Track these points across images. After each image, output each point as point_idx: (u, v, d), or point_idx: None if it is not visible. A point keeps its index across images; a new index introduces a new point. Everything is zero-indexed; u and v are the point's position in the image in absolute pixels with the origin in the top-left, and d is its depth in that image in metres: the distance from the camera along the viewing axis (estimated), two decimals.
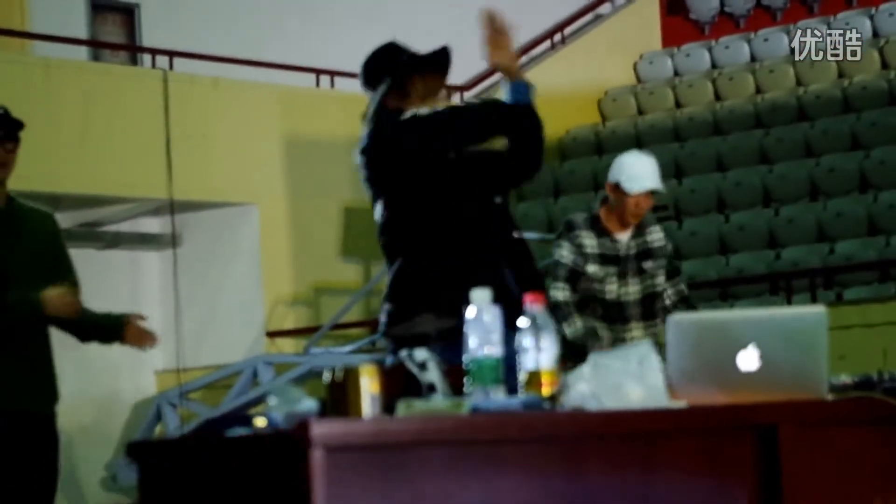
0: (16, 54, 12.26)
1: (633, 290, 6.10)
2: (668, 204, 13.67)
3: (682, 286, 6.23)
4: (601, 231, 6.12)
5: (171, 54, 12.76)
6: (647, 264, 6.12)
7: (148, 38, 13.60)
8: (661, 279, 6.13)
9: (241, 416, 2.96)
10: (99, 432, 11.76)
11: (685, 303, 6.18)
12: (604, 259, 6.09)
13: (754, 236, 12.65)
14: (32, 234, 5.00)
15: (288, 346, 12.79)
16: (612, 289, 6.07)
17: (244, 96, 12.95)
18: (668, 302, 6.14)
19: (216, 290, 12.91)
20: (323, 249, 13.14)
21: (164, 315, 12.77)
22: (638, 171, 6.13)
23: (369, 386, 2.90)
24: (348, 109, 11.03)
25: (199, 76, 12.73)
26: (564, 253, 6.08)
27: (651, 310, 6.11)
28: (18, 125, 4.94)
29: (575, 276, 6.06)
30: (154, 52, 12.81)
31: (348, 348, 11.00)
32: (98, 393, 12.25)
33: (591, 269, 6.07)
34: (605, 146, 15.22)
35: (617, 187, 6.18)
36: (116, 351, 12.29)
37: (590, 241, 6.12)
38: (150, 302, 12.88)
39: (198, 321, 12.51)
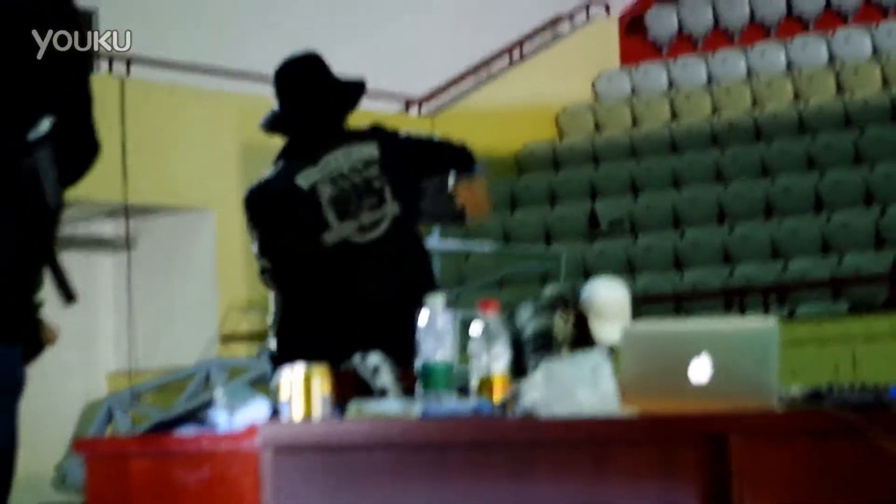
0: None
1: None
2: (623, 219, 13.73)
3: None
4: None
5: (129, 60, 12.71)
6: None
7: (105, 43, 13.53)
8: None
9: (190, 417, 2.94)
10: (49, 433, 11.69)
11: None
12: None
13: (708, 252, 12.71)
14: None
15: (241, 350, 12.76)
16: None
17: (201, 103, 12.92)
18: None
19: (170, 293, 12.86)
20: None
21: (117, 318, 12.72)
22: (609, 321, 5.86)
23: (320, 388, 2.89)
24: None
25: (156, 82, 12.69)
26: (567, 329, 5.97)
27: None
28: None
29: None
30: (112, 57, 12.76)
31: None
32: (49, 393, 12.16)
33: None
34: (561, 162, 15.27)
35: (581, 319, 5.96)
36: (68, 352, 12.27)
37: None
38: (103, 305, 12.82)
39: (152, 324, 12.46)
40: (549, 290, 6.11)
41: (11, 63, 2.86)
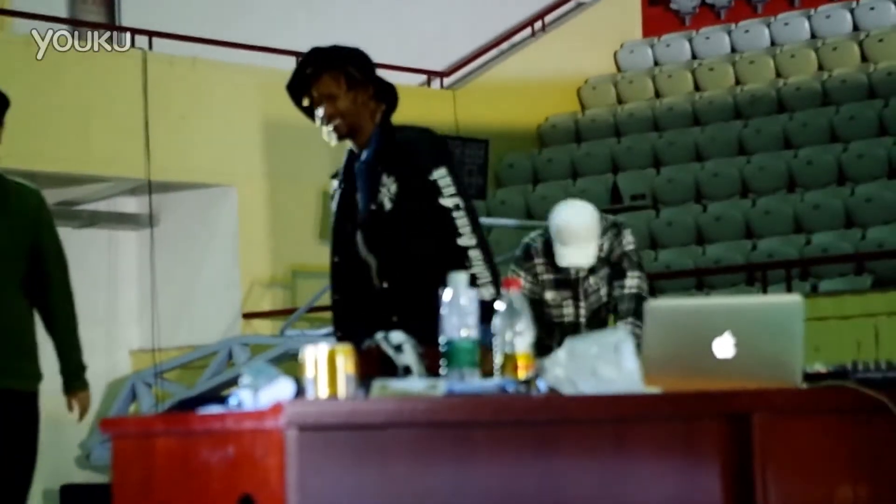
0: None
1: (583, 310, 5.96)
2: (645, 193, 13.70)
3: (626, 283, 5.92)
4: (553, 257, 5.93)
5: (151, 34, 12.71)
6: (589, 282, 5.98)
7: (127, 17, 13.54)
8: (603, 290, 5.95)
9: (215, 395, 2.95)
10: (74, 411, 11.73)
11: (632, 299, 5.87)
12: (558, 284, 5.95)
13: (731, 227, 12.68)
14: (16, 209, 5.00)
15: (264, 327, 12.77)
16: (569, 312, 5.95)
17: (223, 77, 12.91)
18: (614, 304, 5.96)
19: (193, 270, 12.88)
20: (300, 232, 13.11)
21: (140, 295, 12.74)
22: (565, 241, 5.87)
23: (345, 366, 2.90)
24: None
25: (178, 56, 12.68)
26: (522, 283, 5.89)
27: (600, 322, 6.00)
28: (5, 104, 4.97)
29: (533, 305, 5.84)
30: (134, 31, 12.76)
31: (324, 331, 10.99)
32: None
33: (550, 295, 5.95)
34: (583, 134, 15.23)
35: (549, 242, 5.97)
36: (91, 330, 12.29)
37: (544, 269, 5.97)
38: (126, 281, 12.85)
39: (174, 301, 12.48)
40: (525, 238, 6.13)
41: None
